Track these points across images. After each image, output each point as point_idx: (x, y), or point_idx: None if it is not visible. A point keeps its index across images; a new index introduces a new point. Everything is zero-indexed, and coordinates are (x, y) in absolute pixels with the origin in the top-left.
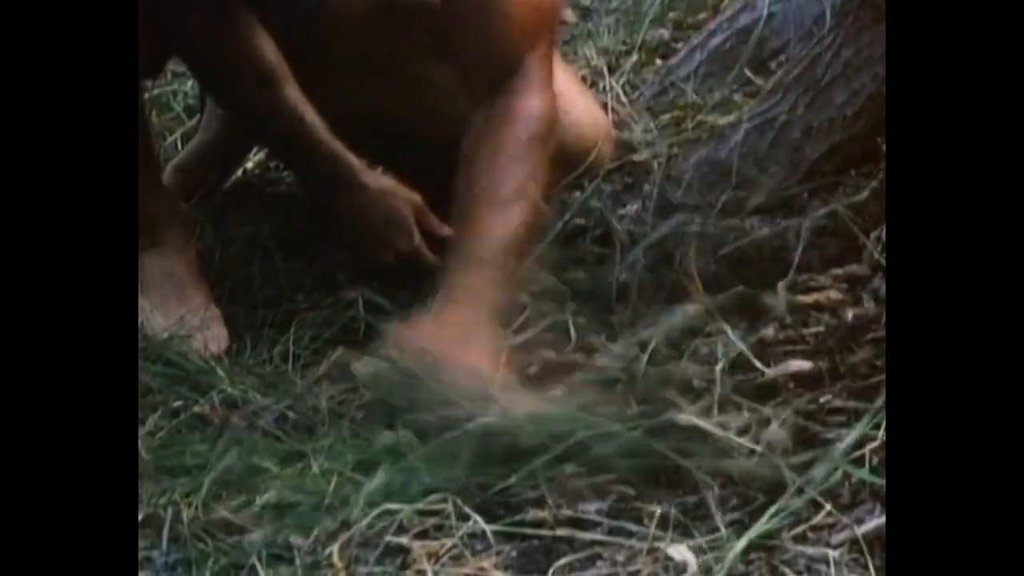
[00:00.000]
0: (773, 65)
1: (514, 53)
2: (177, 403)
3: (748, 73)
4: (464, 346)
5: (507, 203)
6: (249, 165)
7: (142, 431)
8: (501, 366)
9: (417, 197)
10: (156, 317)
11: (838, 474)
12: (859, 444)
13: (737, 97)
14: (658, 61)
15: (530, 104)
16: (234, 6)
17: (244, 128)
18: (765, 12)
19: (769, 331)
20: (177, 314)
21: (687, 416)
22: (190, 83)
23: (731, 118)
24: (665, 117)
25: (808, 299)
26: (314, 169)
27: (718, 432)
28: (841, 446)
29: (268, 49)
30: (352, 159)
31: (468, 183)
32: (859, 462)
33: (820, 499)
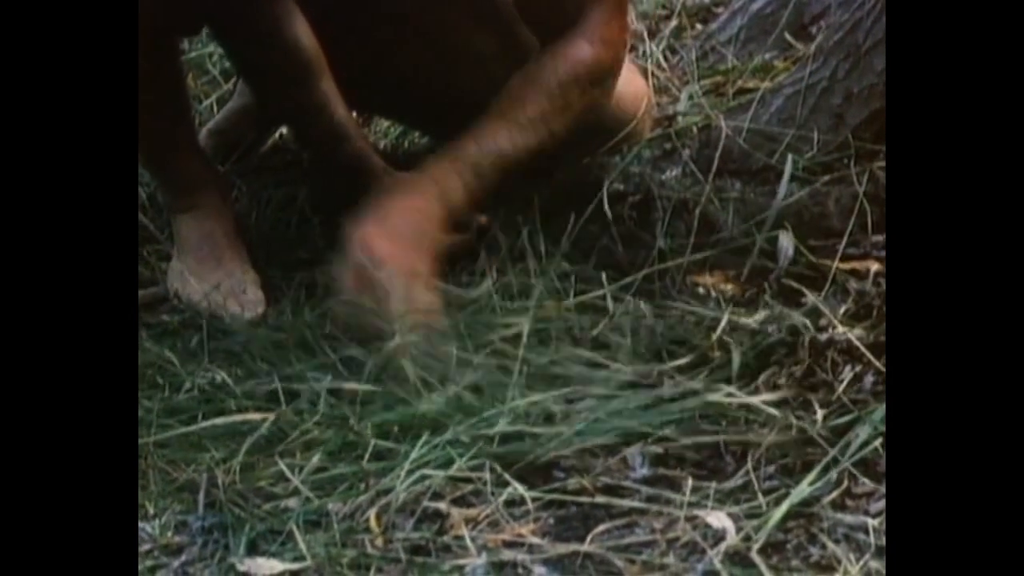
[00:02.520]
0: (814, 30)
1: (575, 4)
2: (208, 374)
3: (789, 38)
4: (403, 246)
5: (521, 125)
6: (285, 129)
7: (177, 398)
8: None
9: None
10: (192, 281)
11: (875, 442)
12: None
13: (777, 62)
14: (698, 26)
15: (580, 50)
16: None
17: (271, 114)
18: None
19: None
20: (214, 278)
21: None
22: None
23: (771, 83)
24: (705, 82)
25: (846, 266)
26: (337, 167)
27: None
28: (876, 414)
29: (305, 40)
30: (376, 160)
31: (496, 99)
32: None
33: (854, 469)
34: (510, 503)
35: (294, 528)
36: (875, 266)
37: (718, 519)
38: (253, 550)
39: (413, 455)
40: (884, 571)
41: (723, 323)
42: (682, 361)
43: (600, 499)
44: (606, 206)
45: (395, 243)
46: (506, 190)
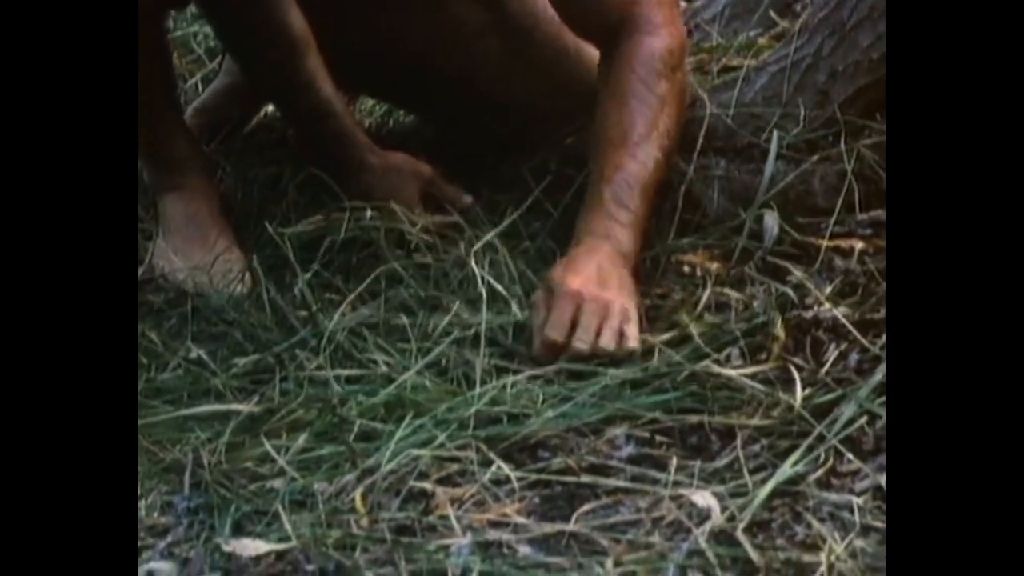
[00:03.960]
0: (798, 7)
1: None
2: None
3: (773, 15)
4: (600, 291)
5: (637, 144)
6: (270, 108)
7: (162, 376)
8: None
9: (427, 170)
10: (177, 260)
11: (861, 420)
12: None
13: (762, 40)
14: (683, 3)
15: (649, 41)
16: None
17: (258, 91)
18: None
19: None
20: (199, 256)
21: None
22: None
23: (756, 61)
24: (690, 60)
25: (830, 244)
26: (322, 144)
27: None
28: (862, 392)
29: (293, 17)
30: (361, 138)
31: (599, 130)
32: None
33: (840, 447)
34: (495, 482)
35: (279, 508)
36: (860, 244)
37: (703, 498)
38: (239, 530)
39: (398, 434)
40: (869, 549)
41: (705, 296)
42: (667, 336)
43: (585, 479)
44: None
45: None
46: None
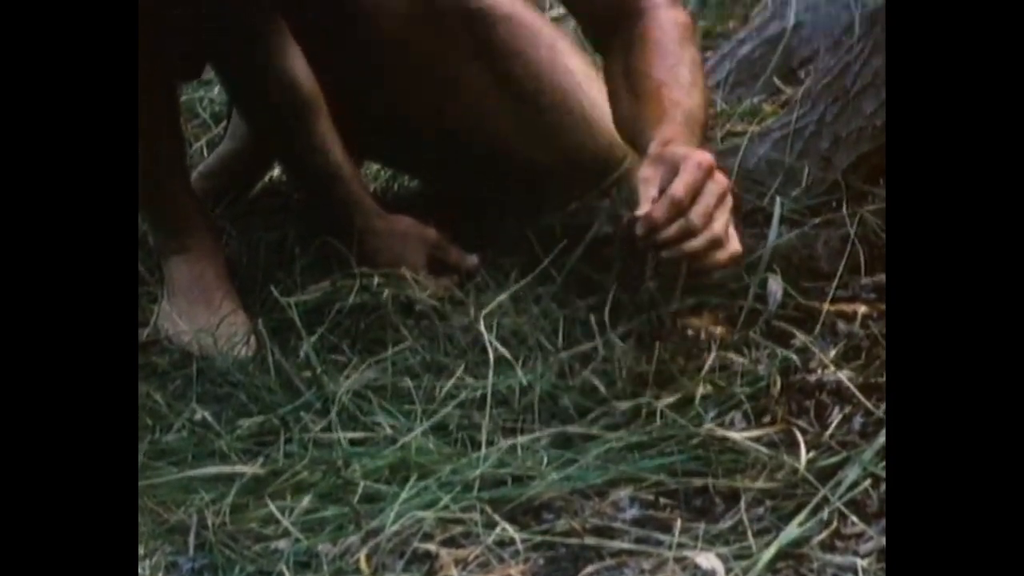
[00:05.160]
0: (802, 74)
1: None
2: (202, 413)
3: (777, 82)
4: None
5: (687, 87)
6: (275, 172)
7: (167, 437)
8: None
9: (432, 234)
10: (182, 322)
11: (865, 483)
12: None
13: (766, 106)
14: None
15: (668, 13)
16: (273, 30)
17: (268, 152)
18: (793, 21)
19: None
20: (204, 319)
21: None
22: (216, 89)
23: (759, 127)
24: None
25: (834, 308)
26: (330, 208)
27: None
28: (866, 455)
29: (304, 79)
30: (368, 202)
31: (639, 88)
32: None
33: (844, 509)
34: (500, 544)
35: (284, 569)
36: (863, 308)
37: (707, 560)
38: None
39: (403, 496)
40: None
41: (710, 360)
42: (671, 399)
43: (589, 540)
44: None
45: None
46: None
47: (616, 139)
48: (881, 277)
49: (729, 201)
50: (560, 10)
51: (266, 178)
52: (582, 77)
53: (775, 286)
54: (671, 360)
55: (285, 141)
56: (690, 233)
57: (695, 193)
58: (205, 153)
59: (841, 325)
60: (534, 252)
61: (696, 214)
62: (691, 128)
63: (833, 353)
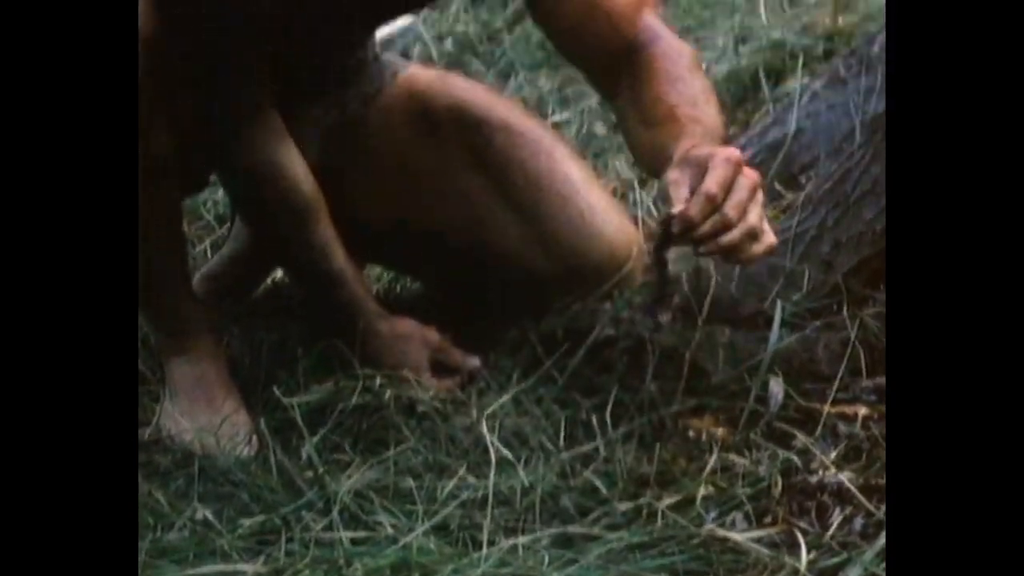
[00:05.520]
0: (803, 180)
1: (629, 29)
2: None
3: (778, 187)
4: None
5: (701, 106)
6: (278, 274)
7: (169, 536)
8: None
9: (435, 336)
10: (184, 421)
11: None
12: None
13: (767, 211)
14: None
15: (672, 43)
16: (275, 132)
17: (270, 255)
18: (794, 128)
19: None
20: (206, 418)
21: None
22: (220, 192)
23: None
24: None
25: (834, 410)
26: (332, 311)
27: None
28: (867, 556)
29: (306, 183)
30: (371, 304)
31: (653, 115)
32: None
33: None
34: None
35: None
36: (864, 410)
37: None
38: None
39: None
40: None
41: (711, 461)
42: (673, 500)
43: None
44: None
45: None
46: None
47: (617, 244)
48: (882, 379)
49: (761, 195)
50: (562, 115)
51: (268, 280)
52: (581, 184)
53: (776, 388)
54: (672, 461)
55: (287, 245)
56: (726, 227)
57: (728, 188)
58: (209, 254)
59: (842, 426)
60: (536, 354)
61: (730, 207)
62: (712, 140)
63: (834, 454)
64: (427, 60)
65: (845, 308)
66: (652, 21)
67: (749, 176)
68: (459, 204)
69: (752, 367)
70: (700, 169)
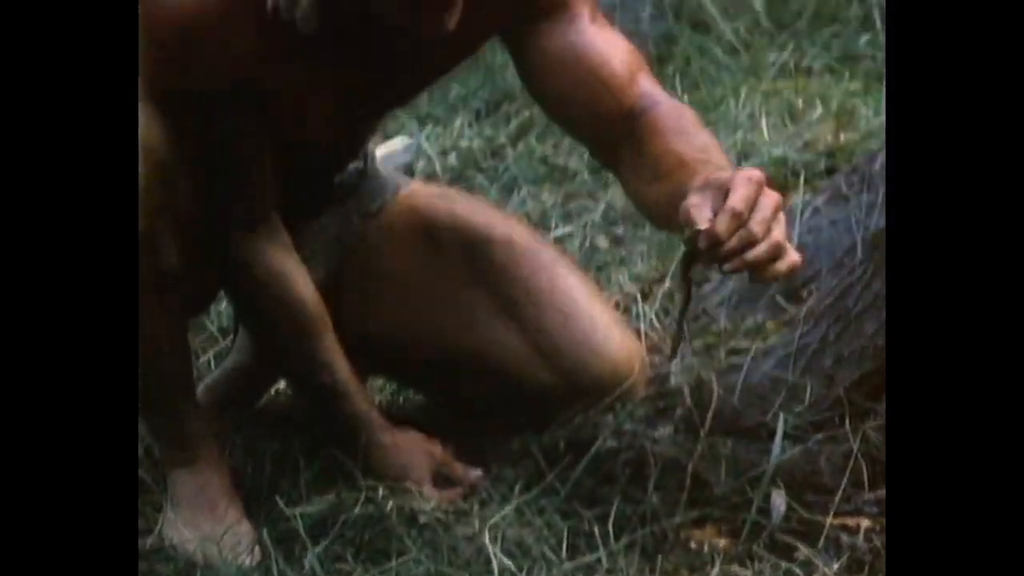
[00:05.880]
0: (804, 294)
1: (626, 97)
2: None
3: (780, 301)
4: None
5: (710, 151)
6: (281, 385)
7: None
8: None
9: (437, 449)
10: (187, 531)
11: None
12: None
13: (769, 324)
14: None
15: (673, 104)
16: (281, 245)
17: (273, 366)
18: (796, 242)
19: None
20: (209, 528)
21: None
22: (223, 304)
23: (763, 344)
24: (697, 343)
25: (836, 522)
26: (335, 423)
27: None
28: None
29: (309, 297)
30: (374, 416)
31: (662, 168)
32: None
33: None
34: None
35: None
36: (866, 522)
37: None
38: None
39: None
40: None
41: (714, 573)
42: None
43: None
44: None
45: None
46: None
47: (619, 359)
48: (884, 492)
49: (783, 215)
50: (565, 229)
51: (271, 391)
52: (583, 298)
53: (778, 500)
54: (674, 572)
55: (290, 357)
56: (752, 243)
57: (752, 205)
58: (212, 366)
59: (844, 538)
60: (538, 465)
61: (756, 223)
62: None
63: (836, 566)
64: (431, 175)
65: (847, 421)
66: (650, 87)
67: (771, 196)
68: (461, 319)
69: (754, 479)
70: (721, 191)
